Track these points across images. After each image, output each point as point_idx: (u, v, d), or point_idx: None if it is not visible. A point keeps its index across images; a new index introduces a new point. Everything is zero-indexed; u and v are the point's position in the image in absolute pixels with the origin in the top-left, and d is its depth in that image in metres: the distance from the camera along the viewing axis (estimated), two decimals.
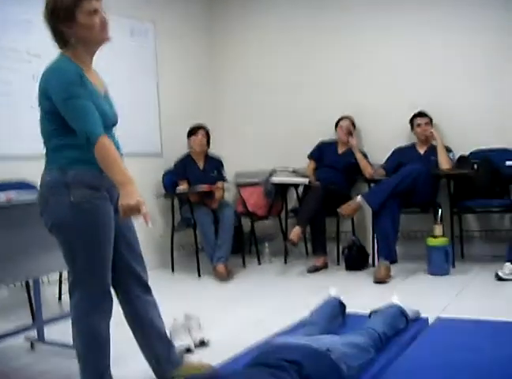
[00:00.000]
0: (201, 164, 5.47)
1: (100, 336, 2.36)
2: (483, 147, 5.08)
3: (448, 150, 5.04)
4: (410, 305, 3.12)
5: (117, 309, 2.45)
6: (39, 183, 2.35)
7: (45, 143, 2.32)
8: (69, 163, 2.26)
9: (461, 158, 5.09)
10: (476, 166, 4.89)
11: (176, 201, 5.46)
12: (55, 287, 4.32)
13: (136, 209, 2.16)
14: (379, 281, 4.43)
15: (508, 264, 4.26)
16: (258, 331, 3.15)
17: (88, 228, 2.27)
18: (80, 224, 2.26)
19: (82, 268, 2.30)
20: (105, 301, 2.36)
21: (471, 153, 5.11)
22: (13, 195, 2.98)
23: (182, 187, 5.27)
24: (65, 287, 2.55)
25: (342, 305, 3.16)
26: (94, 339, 2.35)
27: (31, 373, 2.92)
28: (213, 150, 5.60)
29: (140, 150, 5.23)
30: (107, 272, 2.36)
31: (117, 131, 2.44)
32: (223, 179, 5.51)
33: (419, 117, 5.17)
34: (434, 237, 4.62)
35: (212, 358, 2.79)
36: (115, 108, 2.44)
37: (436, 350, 2.69)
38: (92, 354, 2.37)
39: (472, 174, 4.81)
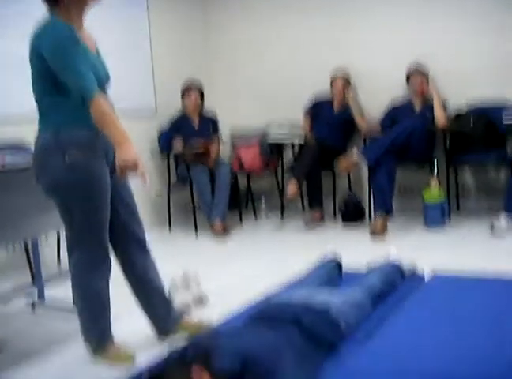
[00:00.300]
0: (195, 123, 5.43)
1: (100, 293, 2.39)
2: (480, 96, 5.01)
3: (444, 106, 4.99)
4: (406, 260, 3.15)
5: (114, 268, 2.47)
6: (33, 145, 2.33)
7: (37, 103, 2.29)
8: (63, 125, 2.24)
9: (458, 113, 5.04)
10: (472, 120, 4.86)
11: (172, 161, 5.44)
12: (53, 250, 4.33)
13: (133, 167, 2.16)
14: (376, 233, 4.47)
15: (504, 213, 4.28)
16: (257, 286, 3.19)
17: (84, 188, 2.27)
18: (76, 185, 2.26)
19: (80, 228, 2.31)
20: (104, 259, 2.39)
21: (467, 107, 5.06)
22: (8, 157, 2.96)
23: (178, 144, 5.23)
24: (64, 248, 2.56)
25: (339, 266, 3.18)
26: (94, 296, 2.39)
27: (33, 332, 2.96)
28: (208, 106, 5.55)
29: (134, 110, 5.17)
30: (105, 231, 2.37)
31: (110, 91, 2.41)
32: (218, 137, 5.48)
33: (416, 73, 5.08)
34: (430, 190, 4.64)
35: (211, 314, 2.83)
36: (107, 67, 2.41)
37: (433, 305, 2.72)
38: (93, 311, 2.40)
39: (469, 130, 4.79)
